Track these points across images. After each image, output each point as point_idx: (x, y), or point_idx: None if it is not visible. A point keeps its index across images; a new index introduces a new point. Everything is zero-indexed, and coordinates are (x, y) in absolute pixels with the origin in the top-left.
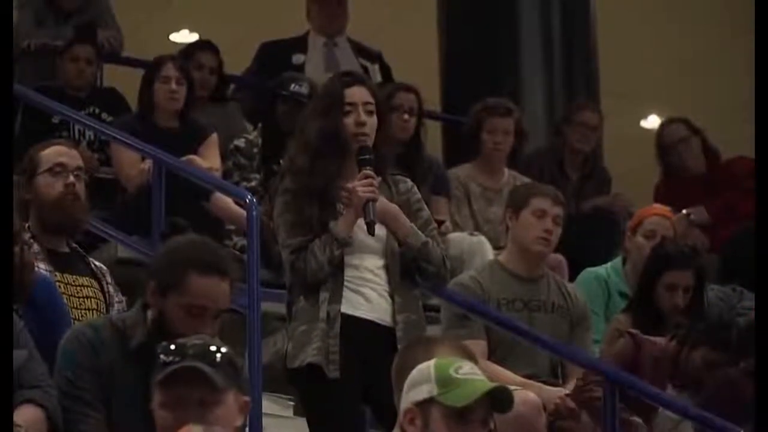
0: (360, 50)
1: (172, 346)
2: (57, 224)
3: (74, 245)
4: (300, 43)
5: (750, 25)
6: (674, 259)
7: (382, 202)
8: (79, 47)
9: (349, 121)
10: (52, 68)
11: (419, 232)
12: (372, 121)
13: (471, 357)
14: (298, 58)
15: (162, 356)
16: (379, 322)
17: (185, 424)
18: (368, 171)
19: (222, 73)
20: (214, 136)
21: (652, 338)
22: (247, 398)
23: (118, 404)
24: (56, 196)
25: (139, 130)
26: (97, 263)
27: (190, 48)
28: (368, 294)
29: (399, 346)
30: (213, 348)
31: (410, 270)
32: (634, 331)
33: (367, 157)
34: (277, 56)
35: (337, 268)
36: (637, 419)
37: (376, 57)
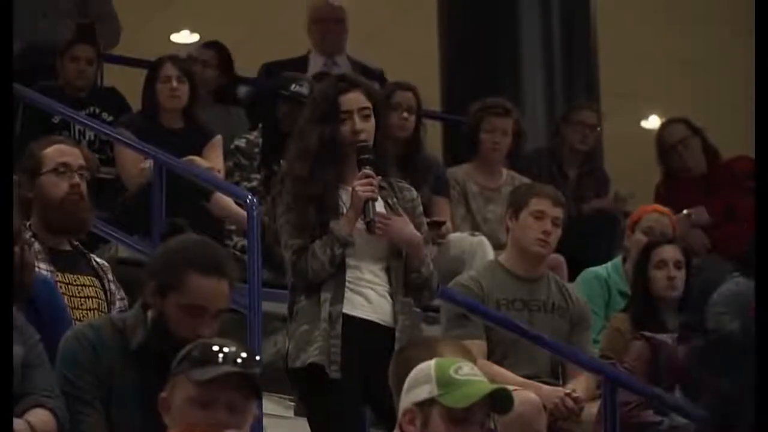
0: (360, 71)
1: (215, 348)
2: (62, 225)
3: (76, 243)
4: (301, 64)
5: (750, 25)
6: (659, 240)
7: (410, 230)
8: (79, 47)
9: (346, 128)
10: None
11: (430, 263)
12: (369, 126)
13: (469, 357)
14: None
15: (201, 355)
16: (381, 322)
17: (212, 423)
18: (368, 171)
19: (229, 73)
20: (219, 138)
21: (662, 338)
22: (257, 411)
23: (118, 404)
24: (61, 197)
25: (145, 130)
26: (98, 260)
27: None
28: (369, 295)
29: (397, 346)
30: (250, 355)
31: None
32: (647, 334)
33: (367, 156)
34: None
35: (339, 268)
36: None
37: (376, 77)
